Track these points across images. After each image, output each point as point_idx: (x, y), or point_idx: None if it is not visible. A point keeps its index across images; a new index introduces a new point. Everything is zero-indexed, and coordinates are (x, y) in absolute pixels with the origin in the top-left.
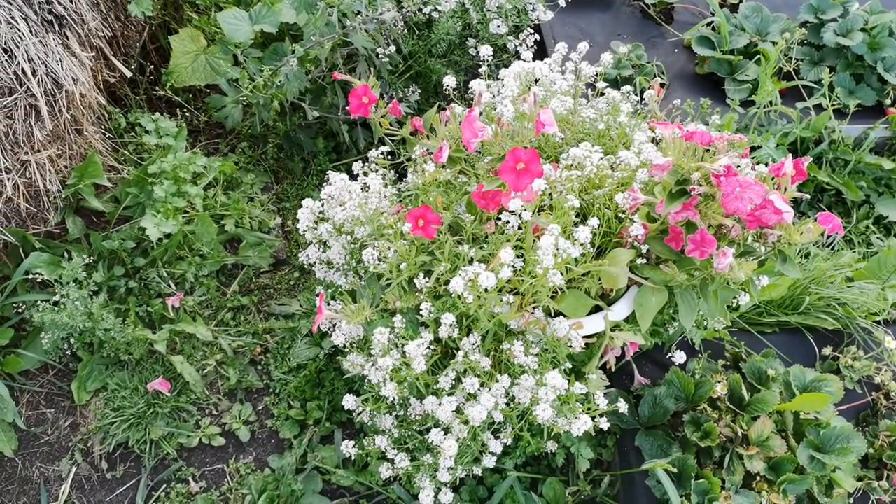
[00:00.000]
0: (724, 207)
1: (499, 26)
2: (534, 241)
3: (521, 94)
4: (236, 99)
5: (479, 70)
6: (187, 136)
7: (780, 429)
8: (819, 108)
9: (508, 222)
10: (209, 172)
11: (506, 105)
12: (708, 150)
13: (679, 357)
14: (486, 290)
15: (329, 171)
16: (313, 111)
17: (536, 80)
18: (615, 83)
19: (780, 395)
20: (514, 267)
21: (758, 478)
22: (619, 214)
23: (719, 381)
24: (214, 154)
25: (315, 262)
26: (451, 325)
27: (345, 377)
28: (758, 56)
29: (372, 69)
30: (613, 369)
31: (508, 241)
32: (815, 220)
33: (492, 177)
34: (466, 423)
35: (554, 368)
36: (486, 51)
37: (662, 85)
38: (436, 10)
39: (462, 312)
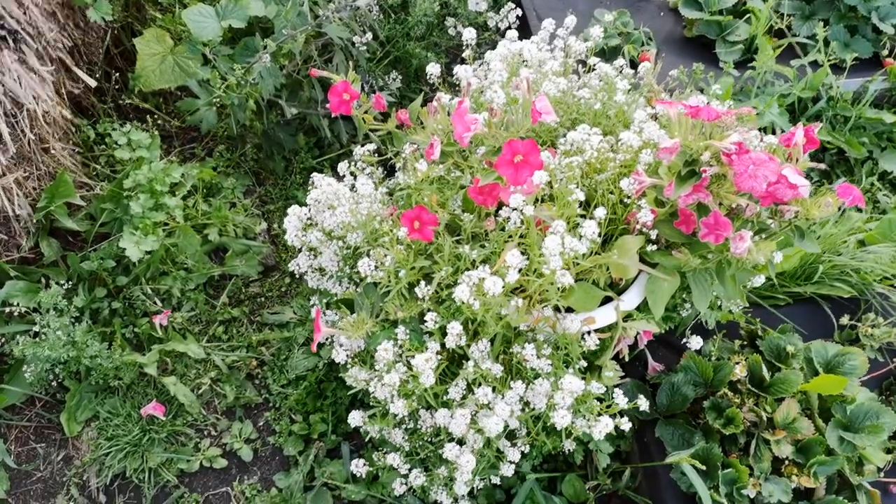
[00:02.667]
0: (738, 187)
1: (478, 3)
2: (538, 234)
3: (509, 78)
4: (209, 101)
5: (461, 51)
6: (161, 142)
7: (804, 408)
8: (815, 64)
9: (509, 218)
10: (187, 181)
11: (495, 91)
12: (717, 126)
13: (695, 342)
14: (492, 296)
15: (313, 175)
16: (291, 108)
17: (524, 62)
18: (602, 54)
19: (802, 370)
20: (519, 268)
21: (786, 462)
22: (625, 199)
23: (738, 363)
24: (191, 159)
25: (306, 271)
26: (458, 335)
27: (348, 386)
28: (747, 15)
29: (349, 59)
30: (627, 359)
31: (511, 237)
32: (834, 192)
33: (487, 168)
34: (481, 432)
35: (567, 367)
36: (468, 34)
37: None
38: None
39: (467, 317)
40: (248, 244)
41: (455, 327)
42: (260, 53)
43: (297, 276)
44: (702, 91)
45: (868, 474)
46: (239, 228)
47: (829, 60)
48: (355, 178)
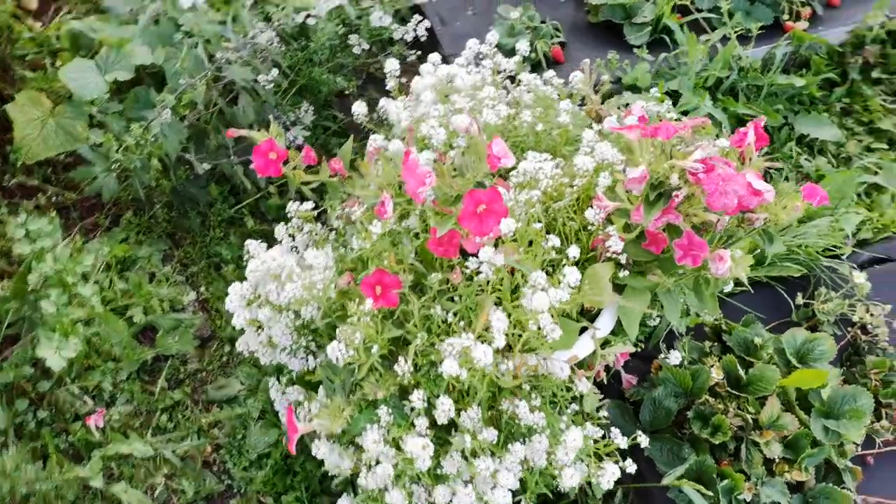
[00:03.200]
0: (712, 207)
1: (381, 17)
2: (509, 278)
3: (444, 112)
4: (108, 167)
5: (369, 66)
6: (59, 216)
7: (783, 401)
8: (725, 39)
9: (480, 272)
10: (98, 260)
11: (433, 127)
12: (676, 141)
13: (674, 357)
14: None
15: (248, 243)
16: (202, 163)
17: (453, 85)
18: (513, 53)
19: (771, 360)
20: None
21: (777, 459)
22: (589, 226)
23: (712, 366)
24: (94, 231)
25: (257, 349)
26: (447, 410)
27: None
28: None
29: (255, 99)
30: (605, 381)
31: (482, 288)
32: (799, 193)
33: (443, 214)
34: (483, 501)
35: (556, 410)
36: (391, 65)
37: (562, 44)
38: (310, 16)
39: (450, 382)
40: (179, 318)
41: (445, 403)
42: (158, 109)
43: (248, 353)
44: (619, 80)
45: (849, 453)
46: (165, 302)
47: (735, 32)
48: (294, 238)
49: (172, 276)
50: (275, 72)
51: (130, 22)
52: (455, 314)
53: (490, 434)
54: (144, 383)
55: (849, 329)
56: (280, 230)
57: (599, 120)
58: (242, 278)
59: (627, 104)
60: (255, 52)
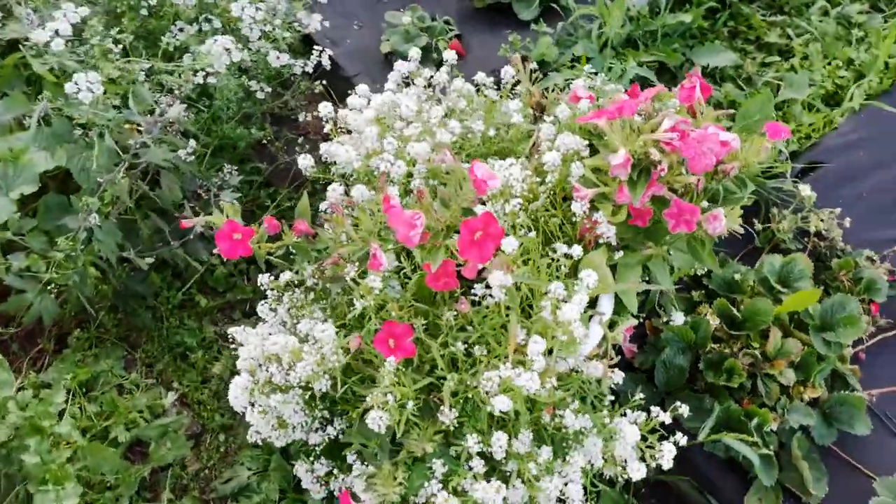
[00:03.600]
0: (694, 171)
1: (279, 57)
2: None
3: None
4: (41, 290)
5: (275, 111)
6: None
7: (779, 327)
8: None
9: (490, 296)
10: (62, 388)
11: (391, 162)
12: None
13: (679, 318)
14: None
15: (232, 330)
16: (144, 257)
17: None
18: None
19: (752, 288)
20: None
21: (792, 384)
22: (573, 217)
23: (705, 314)
24: (41, 360)
25: (269, 435)
26: (503, 445)
27: None
28: None
29: (178, 175)
30: (615, 360)
31: (496, 311)
32: (764, 133)
33: (431, 247)
34: None
35: (585, 402)
36: (325, 109)
37: (458, 37)
38: (210, 74)
39: (490, 412)
40: (164, 424)
41: (501, 438)
42: (82, 215)
43: (262, 441)
44: (525, 59)
45: (848, 357)
46: (145, 412)
47: None
48: (276, 311)
49: (142, 381)
50: (192, 143)
51: (14, 129)
52: (475, 344)
53: (546, 452)
54: (148, 502)
55: (806, 240)
56: (262, 309)
57: (540, 109)
58: (212, 362)
59: (562, 88)
60: (164, 127)
